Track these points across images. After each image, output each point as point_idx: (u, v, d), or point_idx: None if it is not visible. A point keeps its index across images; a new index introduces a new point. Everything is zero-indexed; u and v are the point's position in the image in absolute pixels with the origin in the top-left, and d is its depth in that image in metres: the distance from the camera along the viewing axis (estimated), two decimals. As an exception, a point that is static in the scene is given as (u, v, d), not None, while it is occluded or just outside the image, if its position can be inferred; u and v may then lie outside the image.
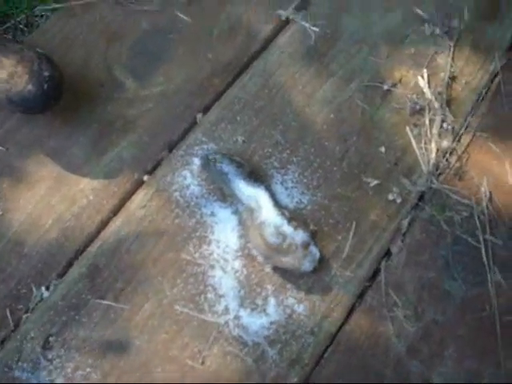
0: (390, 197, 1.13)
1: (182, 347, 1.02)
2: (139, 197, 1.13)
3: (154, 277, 1.07)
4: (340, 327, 1.05)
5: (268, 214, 1.05)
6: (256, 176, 1.11)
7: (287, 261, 1.04)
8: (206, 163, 1.13)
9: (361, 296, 1.07)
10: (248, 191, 1.07)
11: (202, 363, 1.02)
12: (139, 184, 1.14)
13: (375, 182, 1.15)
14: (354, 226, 1.11)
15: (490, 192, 1.14)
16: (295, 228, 1.04)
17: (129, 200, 1.13)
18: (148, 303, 1.05)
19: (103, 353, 1.02)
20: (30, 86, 1.06)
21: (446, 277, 1.09)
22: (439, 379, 1.02)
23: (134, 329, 1.03)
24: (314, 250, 1.05)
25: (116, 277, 1.07)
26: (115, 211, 1.12)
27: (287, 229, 1.04)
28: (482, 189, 1.15)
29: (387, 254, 1.10)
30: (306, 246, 1.04)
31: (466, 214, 1.13)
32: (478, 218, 1.12)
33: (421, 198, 1.14)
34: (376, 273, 1.09)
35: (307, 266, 1.05)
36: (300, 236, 1.04)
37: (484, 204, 1.13)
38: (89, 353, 1.02)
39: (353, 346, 1.04)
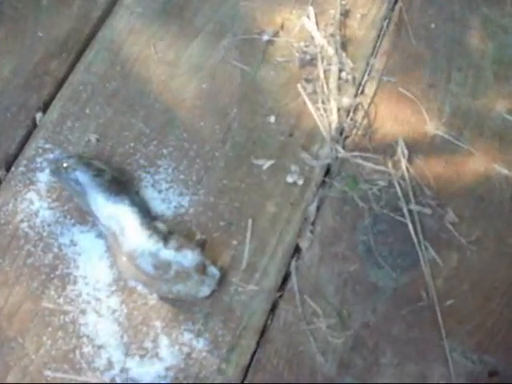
0: (289, 179, 0.84)
1: (61, 423, 0.75)
2: (-25, 239, 0.82)
3: (12, 339, 0.77)
4: (252, 357, 0.78)
5: (135, 237, 0.76)
6: (118, 185, 0.80)
7: (178, 290, 0.75)
8: (57, 172, 0.82)
9: (273, 311, 0.80)
10: (107, 209, 0.77)
11: None
12: (-26, 221, 0.83)
13: (268, 162, 0.85)
14: (250, 224, 0.82)
15: (409, 150, 0.86)
16: (177, 249, 0.75)
17: (-38, 247, 0.82)
18: (10, 375, 0.76)
19: None
20: None
21: (371, 266, 0.82)
22: (379, 394, 0.78)
23: (-4, 413, 0.76)
24: (212, 270, 0.76)
25: (-38, 349, 0.78)
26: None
27: (167, 254, 0.74)
28: (399, 148, 0.86)
29: (296, 251, 0.82)
30: (201, 268, 0.75)
31: (384, 184, 0.85)
32: (399, 185, 0.85)
33: (327, 172, 0.86)
34: (286, 278, 0.81)
35: (205, 291, 0.76)
36: (189, 258, 0.75)
37: (403, 167, 0.85)
38: None
39: (272, 376, 0.78)
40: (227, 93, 0.88)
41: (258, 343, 0.78)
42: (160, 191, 0.83)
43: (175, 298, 0.78)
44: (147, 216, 0.79)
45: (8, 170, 0.84)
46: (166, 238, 0.76)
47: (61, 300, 0.79)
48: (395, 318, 0.80)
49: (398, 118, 0.88)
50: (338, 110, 0.87)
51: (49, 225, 0.82)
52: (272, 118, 0.87)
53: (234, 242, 0.82)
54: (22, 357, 0.77)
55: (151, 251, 0.75)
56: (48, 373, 0.77)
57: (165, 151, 0.85)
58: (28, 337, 0.78)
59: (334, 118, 0.86)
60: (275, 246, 0.82)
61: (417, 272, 0.82)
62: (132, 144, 0.85)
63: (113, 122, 0.86)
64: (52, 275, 0.80)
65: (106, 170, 0.80)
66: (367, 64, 0.90)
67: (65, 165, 0.79)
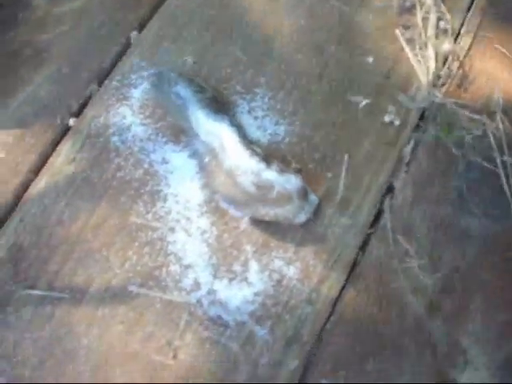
0: (386, 118, 0.82)
1: (145, 339, 0.70)
2: (66, 148, 0.78)
3: (97, 251, 0.74)
4: (342, 290, 0.75)
5: (237, 154, 0.73)
6: (219, 105, 0.77)
7: (276, 213, 0.72)
8: (158, 84, 0.79)
9: (363, 247, 0.77)
10: (208, 125, 0.74)
11: (174, 357, 0.70)
12: (64, 131, 0.79)
13: (365, 101, 0.82)
14: (345, 159, 0.80)
15: (503, 103, 0.85)
16: (280, 172, 0.72)
17: (52, 153, 0.78)
18: (93, 287, 0.72)
19: (42, 359, 0.70)
20: None
21: (463, 212, 0.80)
22: (469, 339, 0.75)
23: (78, 323, 0.71)
24: (312, 197, 0.73)
25: (46, 257, 0.73)
26: (36, 170, 0.77)
27: (270, 175, 0.71)
28: (494, 100, 0.85)
29: (389, 190, 0.80)
30: (302, 194, 0.72)
31: (478, 133, 0.83)
32: (493, 135, 0.83)
33: (422, 116, 0.84)
34: (379, 216, 0.78)
35: (302, 217, 0.73)
36: (292, 182, 0.72)
37: (498, 118, 0.83)
38: (23, 362, 0.69)
39: (360, 312, 0.74)
40: (325, 30, 0.86)
41: (348, 277, 0.75)
42: (256, 118, 0.81)
43: (269, 222, 0.75)
44: (245, 138, 0.76)
45: (100, 84, 0.81)
46: (266, 160, 0.74)
47: (149, 216, 0.76)
48: (485, 265, 0.77)
49: (492, 71, 0.86)
50: (436, 56, 0.85)
51: (141, 140, 0.79)
52: (370, 59, 0.85)
53: (329, 175, 0.79)
54: (105, 269, 0.73)
55: (254, 170, 0.72)
56: (132, 288, 0.73)
57: (262, 80, 0.82)
58: (113, 250, 0.74)
59: (432, 63, 0.84)
60: (369, 183, 0.79)
61: (508, 222, 0.79)
62: (229, 70, 0.83)
63: (210, 47, 0.84)
64: (142, 190, 0.77)
65: (207, 88, 0.77)
66: (464, 17, 0.89)
67: (165, 76, 0.77)
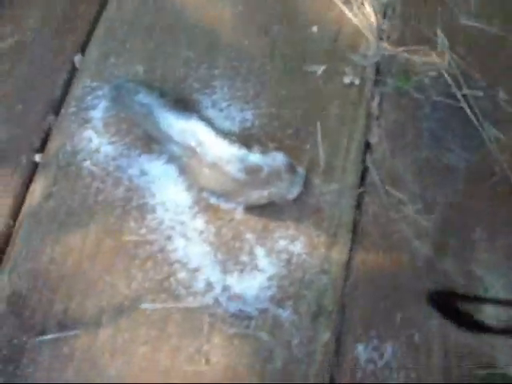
0: (346, 80, 0.82)
1: (173, 353, 0.68)
2: (39, 185, 0.75)
3: (99, 279, 0.71)
4: (350, 252, 0.75)
5: (217, 146, 0.71)
6: (184, 104, 0.76)
7: (270, 193, 0.71)
8: (118, 97, 0.77)
9: (359, 207, 0.77)
10: (179, 125, 0.73)
11: (207, 362, 0.68)
12: (33, 169, 0.76)
13: (321, 68, 0.83)
14: (318, 127, 0.80)
15: (449, 40, 0.87)
16: (263, 153, 0.71)
17: (27, 194, 0.75)
18: (105, 315, 0.69)
19: (73, 403, 0.66)
20: None
21: (441, 151, 0.81)
22: (481, 268, 0.75)
23: (101, 355, 0.67)
24: (299, 170, 0.73)
25: (49, 299, 0.70)
26: (14, 215, 0.74)
27: (255, 158, 0.71)
28: (439, 39, 0.86)
29: (367, 147, 0.81)
30: (291, 168, 0.71)
31: (434, 74, 0.85)
32: (448, 73, 0.85)
33: (377, 71, 0.85)
34: (364, 173, 0.79)
35: (294, 191, 0.73)
36: (278, 159, 0.71)
37: (446, 56, 0.86)
38: (54, 410, 0.66)
39: (373, 269, 0.74)
40: (265, 12, 0.86)
41: (353, 239, 0.75)
42: (221, 110, 0.80)
43: (263, 206, 0.74)
44: (218, 130, 0.75)
45: (57, 113, 0.79)
46: (246, 145, 0.73)
47: (143, 230, 0.73)
48: (475, 195, 0.79)
49: (429, 14, 0.89)
50: (375, 12, 0.86)
51: (113, 159, 0.76)
52: (315, 28, 0.85)
53: (307, 147, 0.78)
54: (113, 295, 0.71)
55: (238, 157, 0.71)
56: (145, 305, 0.70)
57: (216, 72, 0.81)
58: (116, 274, 0.71)
59: (373, 19, 0.86)
60: (347, 145, 0.79)
61: (484, 150, 0.81)
62: (182, 70, 0.81)
63: (157, 53, 0.82)
64: (128, 207, 0.74)
65: (167, 91, 0.76)
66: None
67: (124, 87, 0.75)
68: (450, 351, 0.70)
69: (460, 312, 0.70)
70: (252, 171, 0.71)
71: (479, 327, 0.70)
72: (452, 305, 0.71)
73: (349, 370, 0.69)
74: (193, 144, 0.72)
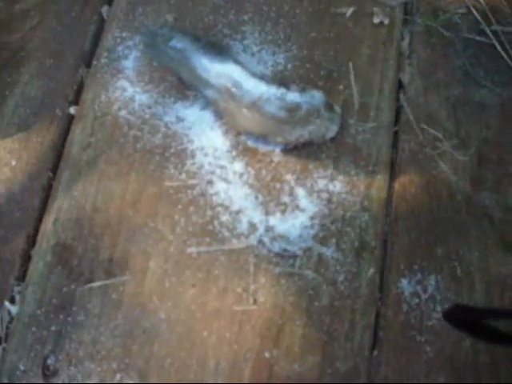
0: (375, 20, 0.81)
1: (221, 294, 0.68)
2: (76, 136, 0.74)
3: (144, 225, 0.71)
4: (389, 189, 0.75)
5: (255, 86, 0.71)
6: (217, 48, 0.75)
7: (310, 131, 0.70)
8: (152, 44, 0.75)
9: (395, 145, 0.77)
10: (215, 68, 0.71)
11: (255, 302, 0.68)
12: (68, 120, 0.75)
13: (350, 9, 0.82)
14: (351, 67, 0.79)
15: (475, -24, 0.86)
16: (302, 91, 0.71)
17: (64, 145, 0.74)
18: (152, 261, 0.69)
19: (126, 346, 0.66)
20: None
21: (473, 87, 0.80)
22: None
23: (149, 300, 0.67)
24: (336, 107, 0.72)
25: (95, 247, 0.69)
26: (53, 168, 0.73)
27: (294, 96, 0.70)
28: (466, -24, 0.86)
29: (400, 86, 0.80)
30: (329, 105, 0.71)
31: (463, 11, 0.84)
32: (476, 10, 0.84)
33: (406, 10, 0.84)
34: (399, 112, 0.78)
35: (334, 129, 0.72)
36: (317, 97, 0.70)
37: (475, -9, 0.85)
38: (108, 356, 0.66)
39: (413, 205, 0.74)
40: (291, -45, 0.85)
41: (391, 175, 0.75)
42: (253, 54, 0.79)
43: (300, 147, 0.73)
44: (253, 72, 0.74)
45: (88, 65, 0.78)
46: (284, 84, 0.72)
47: (183, 176, 0.73)
48: (508, 129, 0.78)
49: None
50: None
51: (149, 107, 0.75)
52: (341, -30, 0.84)
53: (340, 87, 0.78)
54: (158, 240, 0.70)
55: (277, 96, 0.70)
56: (191, 249, 0.70)
57: (246, 17, 0.80)
58: (159, 220, 0.71)
59: (400, -41, 0.84)
60: (380, 84, 0.78)
61: (516, 86, 0.81)
62: (211, 17, 0.80)
63: (184, 1, 0.81)
64: (167, 154, 0.74)
65: (200, 36, 0.75)
66: None
67: (158, 33, 0.73)
68: (491, 283, 0.71)
69: (478, 325, 0.69)
70: (291, 110, 0.70)
71: (499, 338, 0.68)
72: (469, 319, 0.70)
73: (394, 303, 0.69)
74: (230, 86, 0.71)
